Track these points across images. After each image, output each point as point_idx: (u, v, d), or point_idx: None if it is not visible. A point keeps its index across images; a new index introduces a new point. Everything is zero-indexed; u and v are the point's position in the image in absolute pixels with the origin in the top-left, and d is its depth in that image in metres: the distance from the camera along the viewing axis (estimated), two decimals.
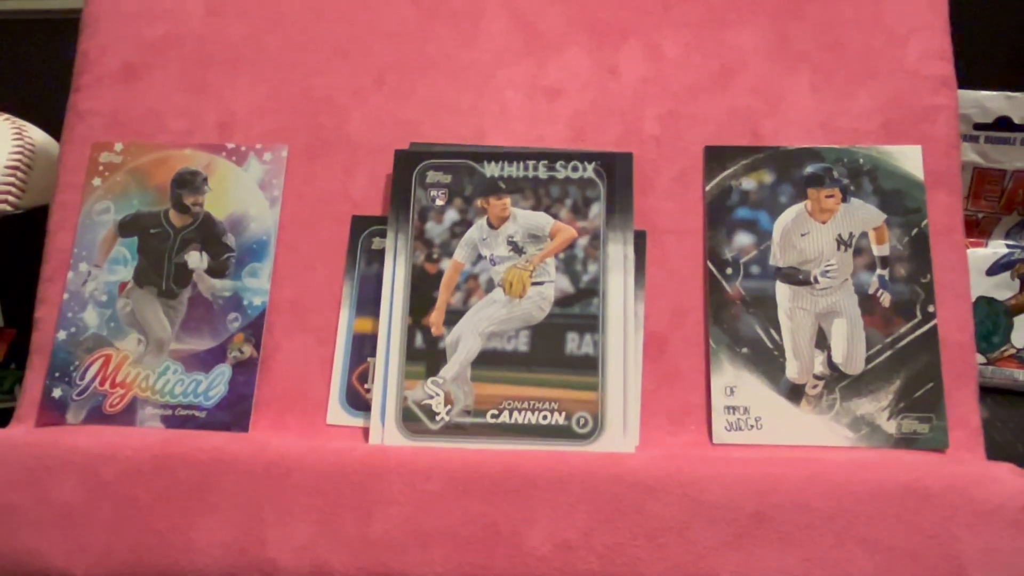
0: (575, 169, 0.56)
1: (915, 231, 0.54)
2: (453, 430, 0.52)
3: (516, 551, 0.46)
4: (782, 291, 0.54)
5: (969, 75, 0.59)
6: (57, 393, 0.55)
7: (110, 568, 0.48)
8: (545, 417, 0.52)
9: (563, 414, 0.52)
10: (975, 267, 0.69)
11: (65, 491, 0.49)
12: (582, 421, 0.52)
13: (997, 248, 0.70)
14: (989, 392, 0.66)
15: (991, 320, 0.69)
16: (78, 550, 0.48)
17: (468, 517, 0.47)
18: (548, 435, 0.51)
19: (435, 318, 0.54)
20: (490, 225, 0.56)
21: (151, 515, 0.48)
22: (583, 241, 0.55)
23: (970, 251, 0.69)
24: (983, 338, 0.68)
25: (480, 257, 0.55)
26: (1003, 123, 0.66)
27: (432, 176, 0.57)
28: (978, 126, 0.67)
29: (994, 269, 0.69)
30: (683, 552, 0.46)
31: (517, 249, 0.55)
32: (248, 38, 0.61)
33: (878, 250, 0.54)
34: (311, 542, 0.47)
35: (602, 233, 0.55)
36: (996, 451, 0.51)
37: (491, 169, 0.56)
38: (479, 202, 0.56)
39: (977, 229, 0.70)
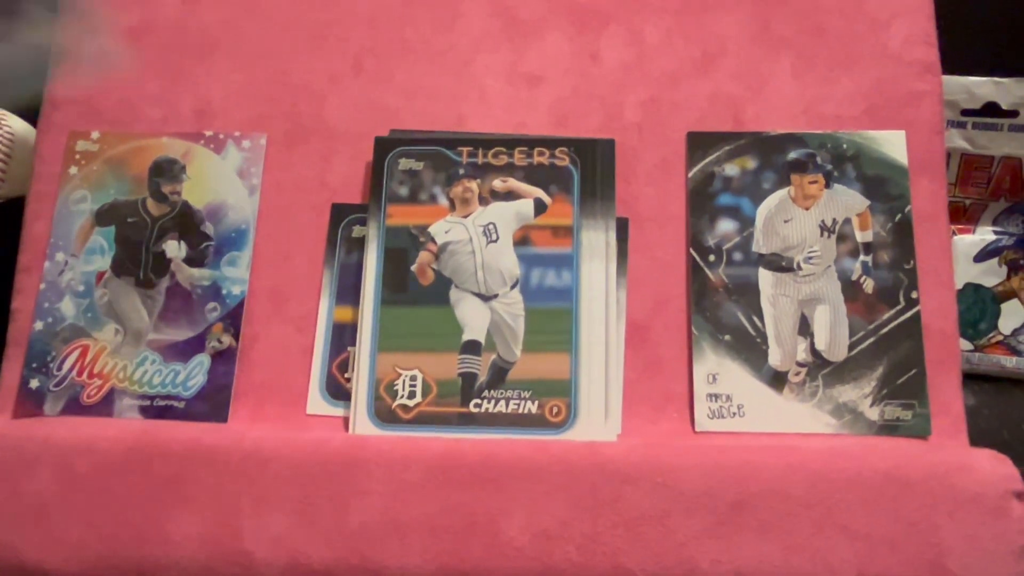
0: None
1: (899, 217, 0.54)
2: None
3: (494, 541, 0.46)
4: (765, 278, 0.54)
5: (956, 61, 0.59)
6: (34, 384, 0.54)
7: (85, 561, 0.47)
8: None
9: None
10: (963, 254, 0.68)
11: (40, 483, 0.49)
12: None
13: (984, 235, 0.69)
14: (976, 379, 0.66)
15: (978, 307, 0.68)
16: (52, 543, 0.48)
17: (446, 507, 0.47)
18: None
19: None
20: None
21: (126, 507, 0.48)
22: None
23: (957, 238, 0.69)
24: (970, 325, 0.67)
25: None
26: (990, 109, 0.66)
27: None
28: (965, 112, 0.66)
29: (981, 256, 0.69)
30: (662, 541, 0.46)
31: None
32: (224, 24, 0.60)
33: (861, 236, 0.54)
34: (288, 533, 0.47)
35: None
36: (982, 438, 0.51)
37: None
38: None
39: (965, 216, 0.70)
